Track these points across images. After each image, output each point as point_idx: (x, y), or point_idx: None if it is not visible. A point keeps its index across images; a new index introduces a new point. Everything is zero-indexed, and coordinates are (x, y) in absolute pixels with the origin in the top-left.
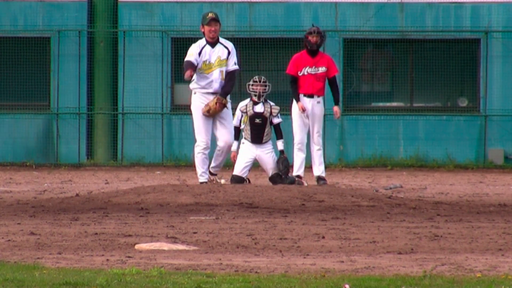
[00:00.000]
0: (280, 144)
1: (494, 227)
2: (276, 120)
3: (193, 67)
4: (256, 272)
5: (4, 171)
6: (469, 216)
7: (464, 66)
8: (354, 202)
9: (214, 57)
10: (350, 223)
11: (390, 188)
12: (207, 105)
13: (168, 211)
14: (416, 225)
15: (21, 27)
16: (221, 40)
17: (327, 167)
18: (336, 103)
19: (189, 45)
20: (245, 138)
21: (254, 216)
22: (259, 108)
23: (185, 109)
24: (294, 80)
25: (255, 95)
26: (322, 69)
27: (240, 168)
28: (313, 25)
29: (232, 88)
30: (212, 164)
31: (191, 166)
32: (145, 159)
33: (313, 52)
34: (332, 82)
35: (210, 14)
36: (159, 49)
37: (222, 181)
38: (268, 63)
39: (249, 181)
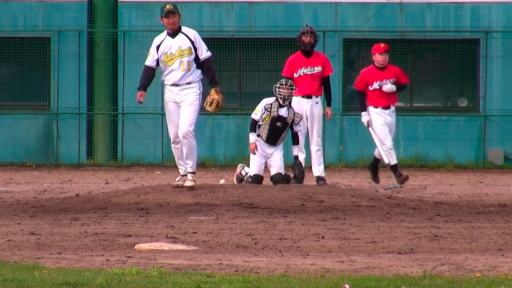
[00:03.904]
0: (295, 150)
1: (494, 227)
2: (296, 128)
3: (149, 73)
4: (256, 272)
5: (4, 171)
6: (469, 216)
7: (463, 66)
8: (354, 202)
9: (175, 48)
10: (350, 223)
11: (390, 188)
12: (210, 102)
13: (168, 211)
14: (416, 225)
15: (21, 27)
16: (183, 29)
17: (327, 167)
18: (329, 104)
19: None
20: (258, 135)
21: (254, 216)
22: (283, 111)
23: None
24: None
25: (281, 98)
26: (318, 69)
27: (259, 167)
28: (306, 25)
29: (215, 74)
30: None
31: None
32: (145, 159)
33: (308, 52)
34: (326, 82)
35: (167, 6)
36: None
37: (222, 181)
38: (268, 63)
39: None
